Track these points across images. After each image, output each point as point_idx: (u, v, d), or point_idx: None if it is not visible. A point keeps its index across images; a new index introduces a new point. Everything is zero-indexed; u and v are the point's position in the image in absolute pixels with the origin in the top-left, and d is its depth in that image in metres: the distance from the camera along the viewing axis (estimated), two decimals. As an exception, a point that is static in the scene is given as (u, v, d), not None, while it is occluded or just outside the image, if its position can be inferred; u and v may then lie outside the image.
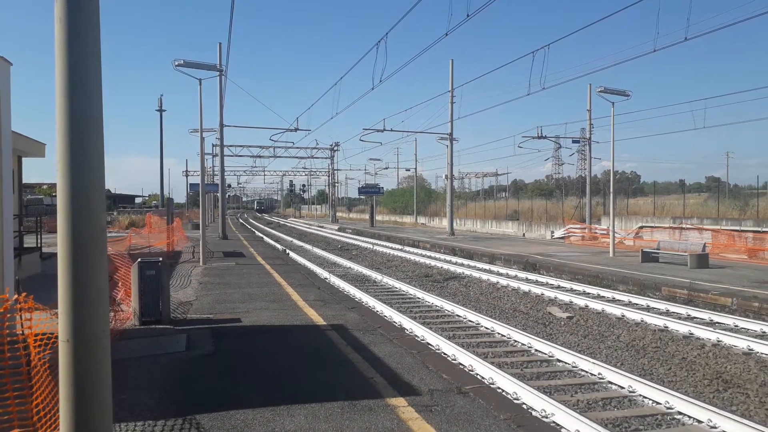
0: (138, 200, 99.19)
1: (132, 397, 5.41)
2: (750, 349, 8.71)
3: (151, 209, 52.10)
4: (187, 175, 66.92)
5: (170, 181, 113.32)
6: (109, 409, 2.68)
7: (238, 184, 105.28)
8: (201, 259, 17.87)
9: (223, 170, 33.58)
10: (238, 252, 22.83)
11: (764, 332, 9.89)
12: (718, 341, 9.24)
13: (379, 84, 22.59)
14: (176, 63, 16.40)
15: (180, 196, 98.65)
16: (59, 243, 2.60)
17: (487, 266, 20.45)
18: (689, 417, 5.95)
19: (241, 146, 51.22)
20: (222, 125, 31.46)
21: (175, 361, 6.85)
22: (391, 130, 37.85)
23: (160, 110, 60.07)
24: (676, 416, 6.05)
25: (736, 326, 10.41)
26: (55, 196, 3.42)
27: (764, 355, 8.47)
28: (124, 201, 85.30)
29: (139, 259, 9.08)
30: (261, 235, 39.96)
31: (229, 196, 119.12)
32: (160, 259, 9.28)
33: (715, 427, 5.63)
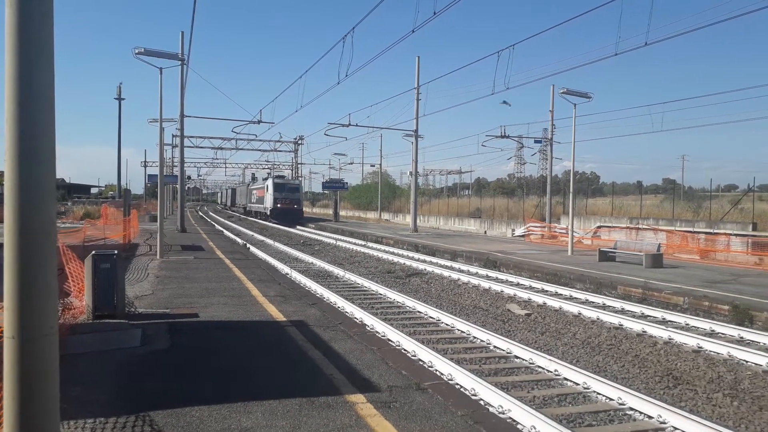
0: (94, 190, 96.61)
1: (83, 394, 5.26)
2: (699, 347, 9.01)
3: (107, 200, 50.80)
4: (145, 166, 65.51)
5: (128, 172, 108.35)
6: (56, 407, 2.59)
7: (199, 176, 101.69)
8: (158, 253, 17.50)
9: (182, 161, 32.93)
10: (197, 245, 22.44)
11: (713, 331, 10.24)
12: (670, 339, 9.52)
13: (345, 78, 22.26)
14: (136, 51, 16.00)
15: (138, 187, 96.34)
16: (6, 235, 2.49)
17: (449, 263, 20.63)
18: (640, 413, 6.12)
19: (202, 137, 50.40)
20: (182, 115, 30.83)
21: (129, 356, 6.69)
22: (357, 125, 37.67)
23: (119, 99, 58.65)
24: (627, 412, 6.21)
25: (687, 325, 10.75)
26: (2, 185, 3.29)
27: (712, 353, 8.77)
28: (79, 191, 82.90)
29: (93, 252, 8.82)
30: (221, 228, 39.35)
31: (189, 188, 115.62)
32: (116, 251, 9.03)
33: (665, 423, 5.80)
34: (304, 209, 56.76)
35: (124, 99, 67.67)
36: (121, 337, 7.58)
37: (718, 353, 8.70)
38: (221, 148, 53.75)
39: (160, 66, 16.88)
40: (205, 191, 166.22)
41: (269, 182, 50.52)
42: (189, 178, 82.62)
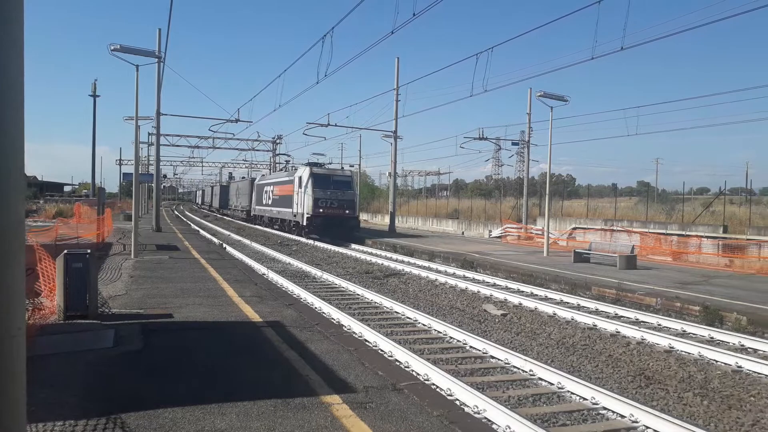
0: (67, 188, 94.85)
1: (53, 396, 5.15)
2: (671, 347, 9.17)
3: (80, 198, 49.92)
4: (120, 164, 64.41)
5: (102, 170, 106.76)
6: (22, 410, 2.52)
7: (175, 175, 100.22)
8: (132, 252, 17.25)
9: (158, 160, 32.50)
10: (172, 245, 22.17)
11: (684, 331, 10.42)
12: (643, 339, 9.67)
13: (324, 78, 22.25)
14: (112, 47, 15.76)
15: (113, 186, 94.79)
16: (-29, 233, 2.42)
17: (426, 263, 20.69)
18: (613, 412, 6.20)
19: (178, 136, 49.75)
20: (159, 113, 30.43)
21: (101, 357, 6.57)
22: (336, 125, 37.52)
23: (94, 95, 57.68)
24: (601, 411, 6.28)
25: (659, 325, 10.93)
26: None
27: (684, 353, 8.92)
28: (51, 189, 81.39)
29: (65, 251, 8.66)
30: (197, 228, 38.93)
31: (164, 187, 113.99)
32: (89, 251, 8.87)
33: (637, 422, 5.88)
34: None
35: (99, 96, 66.63)
36: (93, 337, 7.45)
37: (689, 353, 8.86)
38: (198, 147, 53.09)
39: (136, 63, 16.65)
40: (181, 190, 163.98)
41: (303, 173, 31.77)
42: (165, 176, 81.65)
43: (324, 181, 31.09)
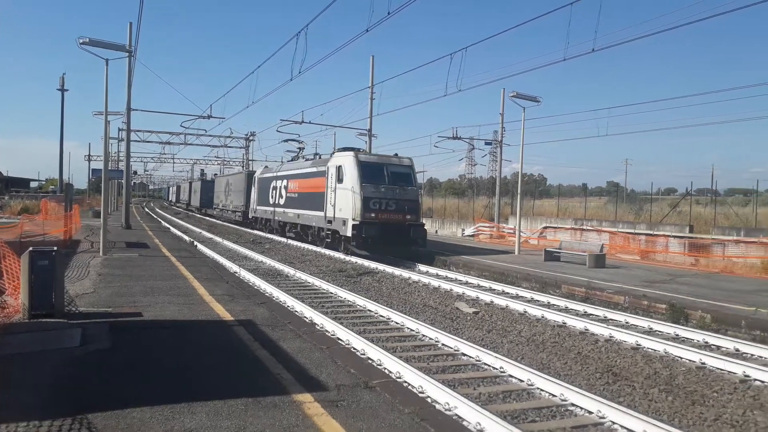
0: (34, 184, 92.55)
1: (17, 396, 5.04)
2: (638, 344, 9.36)
3: (47, 194, 48.78)
4: (89, 160, 63.09)
5: (71, 166, 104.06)
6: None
7: (145, 171, 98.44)
8: (101, 250, 16.93)
9: (128, 156, 31.93)
10: (142, 243, 21.82)
11: (651, 328, 10.65)
12: (611, 336, 9.85)
13: (299, 75, 22.04)
14: (81, 41, 15.46)
15: (81, 182, 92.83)
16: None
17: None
18: (581, 408, 6.31)
19: (149, 132, 49.21)
20: (129, 109, 29.91)
21: (67, 357, 6.44)
22: (310, 123, 37.27)
23: (62, 90, 56.30)
24: (569, 407, 6.39)
25: (627, 323, 11.14)
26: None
27: (650, 350, 9.12)
28: (17, 184, 79.31)
29: (30, 248, 8.46)
30: (167, 225, 38.40)
31: (135, 183, 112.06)
32: (55, 248, 8.69)
33: (604, 417, 6.00)
34: None
35: (67, 90, 65.07)
36: (60, 336, 7.30)
37: (656, 350, 9.05)
38: (169, 143, 52.50)
39: (106, 57, 16.36)
40: (152, 187, 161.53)
41: (343, 161, 22.70)
42: (135, 173, 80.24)
43: (376, 172, 21.70)
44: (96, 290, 10.80)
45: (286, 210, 28.83)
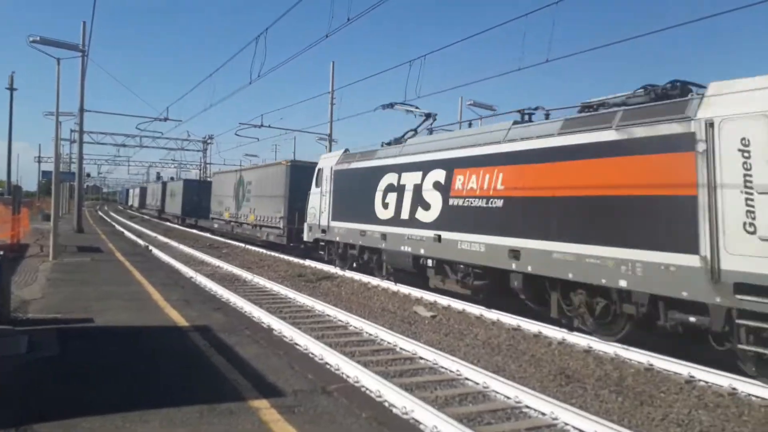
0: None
1: (-42, 407, 4.85)
2: (589, 347, 9.58)
3: (-6, 197, 46.93)
4: (39, 161, 61.19)
5: (19, 168, 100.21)
6: None
7: (99, 173, 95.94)
8: (51, 254, 16.42)
9: (81, 158, 31.09)
10: (94, 247, 21.24)
11: (602, 331, 10.85)
12: (563, 339, 10.06)
13: (258, 79, 21.96)
14: (31, 39, 15.03)
15: (31, 184, 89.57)
16: None
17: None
18: (535, 410, 6.43)
19: (103, 133, 47.89)
20: (82, 110, 29.13)
21: (13, 364, 6.23)
22: (269, 127, 36.78)
23: (11, 89, 54.34)
24: (524, 410, 6.50)
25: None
26: None
27: (601, 352, 9.35)
28: (-39, 186, 76.05)
29: (-26, 253, 8.15)
30: (122, 229, 37.47)
31: (88, 186, 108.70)
32: (1, 252, 8.41)
33: (556, 419, 6.14)
34: None
35: (16, 89, 62.89)
36: (5, 343, 7.03)
37: (606, 352, 9.29)
38: (124, 146, 51.25)
39: (58, 57, 15.95)
40: (106, 190, 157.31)
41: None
42: (88, 175, 77.96)
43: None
44: (45, 295, 10.47)
45: (445, 235, 13.33)
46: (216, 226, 36.50)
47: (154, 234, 34.84)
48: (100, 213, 75.06)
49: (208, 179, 44.07)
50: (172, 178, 64.37)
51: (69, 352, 6.85)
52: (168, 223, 48.74)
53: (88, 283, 12.27)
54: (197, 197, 42.88)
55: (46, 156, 60.29)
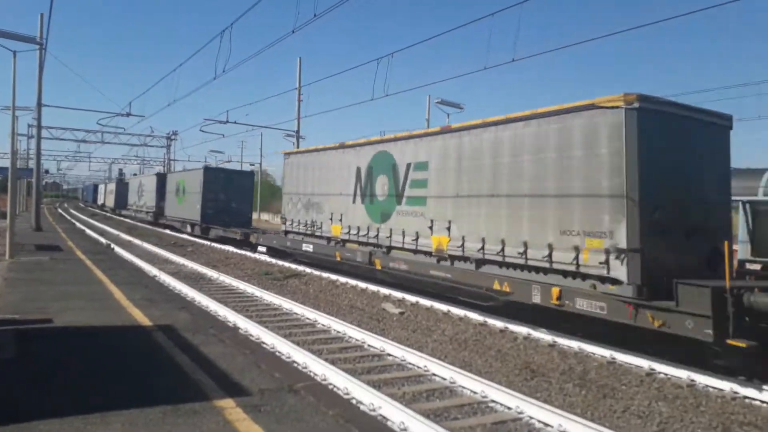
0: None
1: None
2: (554, 342, 9.74)
3: (-54, 194, 45.23)
4: (-6, 158, 59.16)
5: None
6: None
7: (59, 170, 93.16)
8: (8, 253, 15.90)
9: (39, 154, 30.19)
10: (53, 245, 20.67)
11: (567, 326, 11.06)
12: (529, 334, 10.21)
13: (222, 74, 21.65)
14: (-16, 30, 14.51)
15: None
16: None
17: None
18: (501, 405, 6.51)
19: (63, 129, 46.53)
20: (40, 104, 28.26)
21: (-33, 368, 6.02)
22: (235, 123, 36.48)
23: (-37, 81, 52.47)
24: (490, 404, 6.58)
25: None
26: None
27: (565, 347, 9.52)
28: None
29: (-75, 252, 7.83)
30: (82, 227, 36.54)
31: (47, 183, 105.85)
32: (-46, 252, 8.10)
33: (522, 413, 6.22)
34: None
35: (-31, 82, 60.84)
36: (-42, 347, 6.80)
37: (570, 347, 9.46)
38: (85, 141, 50.00)
39: (13, 49, 15.46)
40: (66, 187, 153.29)
41: None
42: (47, 172, 75.91)
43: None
44: (1, 296, 10.15)
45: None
46: (217, 233, 28.48)
47: (116, 232, 34.09)
48: (60, 210, 73.05)
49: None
50: (134, 174, 63.03)
51: (27, 353, 6.65)
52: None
53: (47, 282, 11.93)
54: (224, 195, 30.32)
55: (2, 152, 58.47)
